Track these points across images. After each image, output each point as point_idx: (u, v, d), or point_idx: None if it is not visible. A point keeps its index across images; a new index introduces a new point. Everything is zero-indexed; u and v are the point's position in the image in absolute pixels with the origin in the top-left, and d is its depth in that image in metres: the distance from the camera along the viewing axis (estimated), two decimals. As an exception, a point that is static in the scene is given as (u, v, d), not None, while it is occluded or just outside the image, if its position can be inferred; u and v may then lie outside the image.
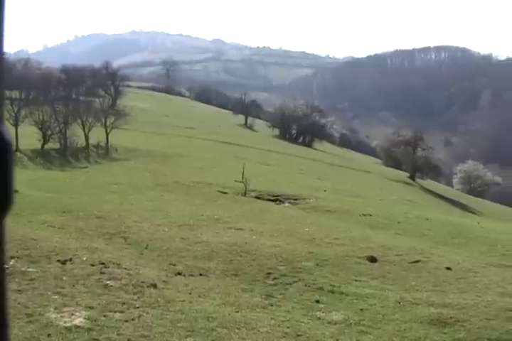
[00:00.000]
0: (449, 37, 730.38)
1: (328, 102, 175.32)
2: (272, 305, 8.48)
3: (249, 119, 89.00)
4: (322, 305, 8.73)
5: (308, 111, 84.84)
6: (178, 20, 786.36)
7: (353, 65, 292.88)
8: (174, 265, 10.26)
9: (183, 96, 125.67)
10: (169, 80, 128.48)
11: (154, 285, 8.57)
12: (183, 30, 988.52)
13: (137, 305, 7.56)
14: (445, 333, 8.02)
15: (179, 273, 9.68)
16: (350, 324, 8.07)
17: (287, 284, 9.56)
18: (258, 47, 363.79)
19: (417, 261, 11.87)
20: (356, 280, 10.16)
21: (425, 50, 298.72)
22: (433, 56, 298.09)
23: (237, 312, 7.93)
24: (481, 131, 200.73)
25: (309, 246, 12.26)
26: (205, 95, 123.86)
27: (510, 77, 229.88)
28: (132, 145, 44.79)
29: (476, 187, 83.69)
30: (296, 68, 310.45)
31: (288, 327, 7.57)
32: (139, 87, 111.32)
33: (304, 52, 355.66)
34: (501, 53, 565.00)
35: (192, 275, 9.64)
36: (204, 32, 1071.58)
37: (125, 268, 9.32)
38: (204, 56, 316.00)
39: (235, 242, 11.93)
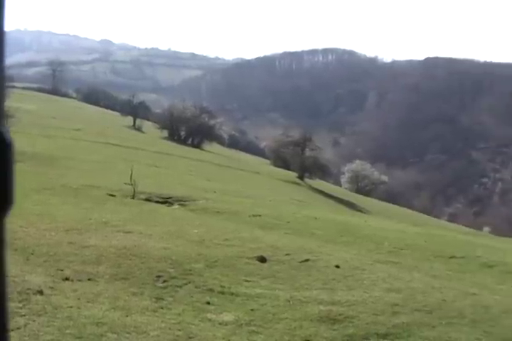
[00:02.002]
0: (336, 39, 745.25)
1: (217, 103, 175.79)
2: (162, 308, 8.39)
3: (138, 121, 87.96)
4: (213, 307, 8.71)
5: (197, 112, 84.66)
6: (65, 20, 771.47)
7: (242, 67, 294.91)
8: (62, 270, 9.98)
9: (70, 97, 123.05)
10: (56, 81, 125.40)
11: (41, 292, 8.31)
12: (71, 29, 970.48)
13: (23, 313, 7.31)
14: (335, 330, 8.15)
15: (67, 279, 9.43)
16: (241, 324, 8.09)
17: (177, 286, 9.49)
18: (146, 48, 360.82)
19: (307, 260, 12.02)
20: (246, 281, 10.19)
21: (313, 52, 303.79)
22: (320, 58, 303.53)
23: (127, 316, 7.80)
24: (368, 131, 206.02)
25: (199, 248, 12.22)
26: (93, 96, 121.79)
27: (395, 79, 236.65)
28: (17, 148, 43.28)
29: (363, 186, 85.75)
30: (185, 69, 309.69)
31: (179, 330, 7.52)
32: (24, 88, 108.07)
33: (192, 54, 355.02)
34: (387, 56, 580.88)
35: (80, 281, 9.41)
36: (92, 32, 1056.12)
37: (10, 276, 9.03)
38: (92, 56, 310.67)
39: (124, 245, 11.75)
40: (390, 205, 71.61)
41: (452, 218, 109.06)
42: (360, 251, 15.69)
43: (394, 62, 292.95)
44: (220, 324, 8.04)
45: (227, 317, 8.34)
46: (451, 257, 16.66)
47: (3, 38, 1.15)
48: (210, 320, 8.16)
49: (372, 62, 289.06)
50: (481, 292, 11.56)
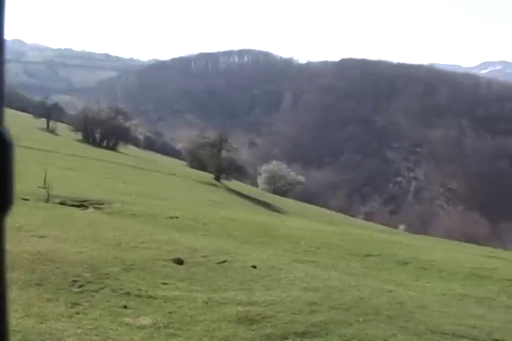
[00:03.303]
0: (252, 41, 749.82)
1: (132, 105, 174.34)
2: (78, 314, 8.22)
3: (52, 123, 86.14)
4: (130, 311, 8.59)
5: (112, 114, 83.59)
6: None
7: (158, 68, 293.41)
8: (-27, 277, 9.68)
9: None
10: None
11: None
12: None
13: None
14: (253, 330, 8.15)
15: (-22, 286, 9.15)
16: (159, 327, 8.01)
17: (93, 291, 9.31)
18: (60, 48, 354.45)
19: (224, 261, 12.00)
20: (163, 284, 10.09)
21: (229, 53, 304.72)
22: (236, 59, 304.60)
23: (42, 323, 7.62)
24: (284, 132, 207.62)
25: (115, 251, 12.04)
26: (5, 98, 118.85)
27: (310, 80, 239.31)
28: None
29: (280, 187, 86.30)
30: (100, 70, 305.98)
31: (96, 335, 7.38)
32: None
33: (107, 54, 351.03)
34: (302, 57, 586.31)
35: (-8, 288, 9.14)
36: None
37: None
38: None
39: (38, 250, 11.47)
40: (307, 205, 72.31)
41: (368, 217, 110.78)
42: (277, 251, 15.79)
43: (309, 63, 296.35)
44: (137, 328, 7.94)
45: (145, 320, 8.24)
46: (367, 255, 16.94)
47: (2, 38, 1.15)
48: (127, 324, 8.04)
49: (288, 63, 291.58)
50: (396, 288, 11.79)
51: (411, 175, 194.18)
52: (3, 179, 1.12)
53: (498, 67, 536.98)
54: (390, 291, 11.09)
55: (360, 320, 8.76)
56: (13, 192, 1.13)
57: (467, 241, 50.68)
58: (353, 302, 9.67)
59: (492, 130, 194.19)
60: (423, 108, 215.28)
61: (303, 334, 8.06)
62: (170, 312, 8.63)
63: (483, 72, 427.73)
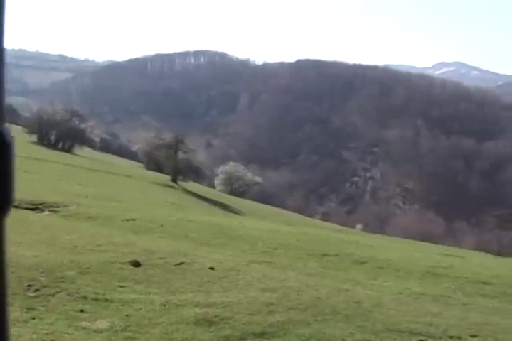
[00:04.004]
0: (208, 42, 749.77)
1: (88, 106, 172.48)
2: (34, 319, 8.11)
3: (5, 125, 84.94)
4: (87, 314, 8.51)
5: (67, 115, 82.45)
6: None
7: (113, 69, 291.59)
8: None
9: None
10: None
11: None
12: None
13: None
14: (211, 332, 8.14)
15: None
16: (117, 331, 7.95)
17: (49, 295, 9.19)
18: (13, 49, 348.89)
19: (181, 263, 11.95)
20: (120, 286, 10.01)
21: (185, 54, 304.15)
22: (192, 60, 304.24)
23: (-4, 328, 7.50)
24: (241, 132, 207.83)
25: (71, 255, 11.91)
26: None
27: (266, 81, 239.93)
28: None
29: (237, 188, 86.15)
30: (54, 71, 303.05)
31: (52, 340, 7.31)
32: None
33: (61, 56, 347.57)
34: (258, 58, 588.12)
35: None
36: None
37: None
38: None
39: (-8, 254, 11.29)
40: (264, 206, 72.41)
41: (325, 217, 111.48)
42: (234, 252, 15.79)
43: (265, 64, 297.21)
44: (94, 332, 7.87)
45: (102, 324, 8.17)
46: (324, 255, 17.02)
47: (2, 37, 1.17)
48: (84, 328, 7.97)
49: (244, 64, 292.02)
50: (353, 288, 11.88)
51: (367, 175, 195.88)
52: (3, 179, 1.13)
53: (452, 68, 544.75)
54: (348, 291, 11.16)
55: (318, 319, 8.80)
56: (13, 192, 1.14)
57: (423, 240, 51.32)
58: (310, 302, 9.70)
59: (447, 130, 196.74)
60: (379, 108, 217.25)
61: (261, 335, 8.07)
62: (127, 316, 8.57)
63: (437, 72, 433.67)
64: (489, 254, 38.81)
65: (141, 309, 8.88)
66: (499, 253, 57.49)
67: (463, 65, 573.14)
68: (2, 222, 1.18)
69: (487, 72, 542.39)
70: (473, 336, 8.70)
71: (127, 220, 19.69)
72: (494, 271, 17.14)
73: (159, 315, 8.65)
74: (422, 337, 8.38)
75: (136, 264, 11.69)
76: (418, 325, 8.90)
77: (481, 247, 65.82)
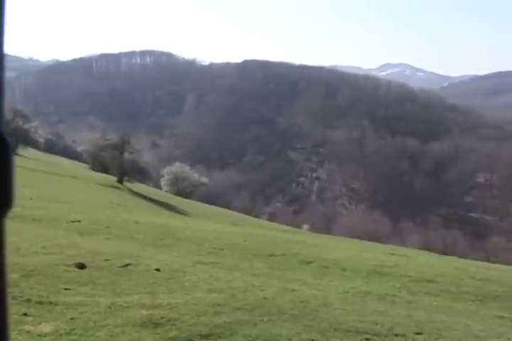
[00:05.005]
0: (154, 41, 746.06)
1: (32, 106, 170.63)
2: (-25, 323, 7.95)
3: None
4: (31, 318, 8.37)
5: (10, 115, 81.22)
6: None
7: (58, 68, 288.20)
8: None
9: None
10: None
11: None
12: None
13: None
14: (158, 333, 8.09)
15: None
16: (61, 334, 7.84)
17: (-8, 298, 9.02)
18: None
19: (127, 265, 11.87)
20: (65, 289, 9.88)
21: (131, 54, 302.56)
22: (138, 60, 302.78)
23: None
24: (187, 133, 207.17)
25: (14, 257, 11.71)
26: None
27: (213, 82, 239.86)
28: None
29: (183, 189, 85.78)
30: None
31: (-6, 344, 7.16)
32: None
33: (5, 54, 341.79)
34: (204, 58, 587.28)
35: None
36: None
37: None
38: None
39: None
40: (210, 206, 72.28)
41: (272, 217, 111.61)
42: (180, 253, 15.74)
43: (212, 65, 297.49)
44: (38, 335, 7.75)
45: (46, 327, 8.05)
46: (270, 255, 17.07)
47: (2, 38, 1.18)
48: (28, 331, 7.84)
49: (191, 64, 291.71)
50: (300, 288, 11.93)
51: (314, 175, 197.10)
52: (3, 179, 1.13)
53: (397, 70, 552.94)
54: (294, 290, 11.20)
55: (265, 319, 8.82)
56: (13, 192, 1.15)
57: (369, 239, 51.75)
58: (257, 302, 9.72)
59: (392, 130, 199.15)
60: (325, 109, 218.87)
61: (208, 336, 8.05)
62: (72, 319, 8.46)
63: (383, 73, 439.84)
64: (434, 253, 39.33)
65: (86, 312, 8.78)
66: (443, 252, 58.43)
67: (408, 66, 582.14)
68: (2, 222, 1.20)
69: (432, 73, 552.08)
70: (418, 333, 8.82)
71: (72, 222, 19.49)
72: (438, 270, 17.40)
73: (105, 318, 8.56)
74: (367, 336, 8.45)
75: (82, 266, 11.56)
76: (364, 324, 8.99)
77: (426, 246, 66.77)
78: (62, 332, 7.92)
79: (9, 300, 1.18)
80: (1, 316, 1.18)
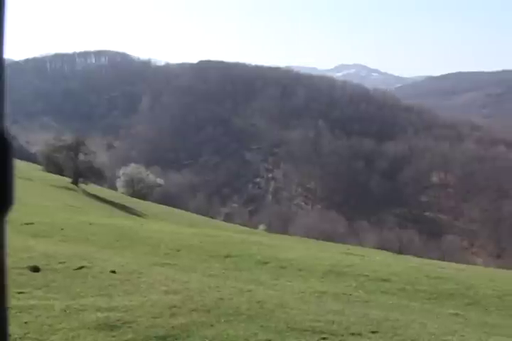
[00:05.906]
0: (109, 42, 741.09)
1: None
2: None
3: None
4: (-18, 322, 8.23)
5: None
6: None
7: (11, 68, 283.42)
8: None
9: None
10: None
11: None
12: None
13: None
14: (114, 336, 8.01)
15: None
16: (15, 339, 7.71)
17: None
18: None
19: (82, 267, 11.75)
20: (19, 293, 9.73)
21: (85, 54, 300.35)
22: (93, 60, 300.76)
23: None
24: (142, 134, 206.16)
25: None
26: None
27: (168, 82, 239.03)
28: None
29: (139, 190, 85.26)
30: None
31: None
32: None
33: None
34: (160, 58, 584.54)
35: None
36: None
37: None
38: None
39: None
40: (166, 208, 72.01)
41: (228, 218, 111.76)
42: (136, 254, 15.65)
43: (167, 65, 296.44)
44: (-9, 340, 7.62)
45: (-1, 332, 7.92)
46: (226, 256, 17.06)
47: (3, 39, 1.24)
48: (-20, 336, 7.71)
49: (146, 64, 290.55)
50: (256, 288, 11.92)
51: (270, 175, 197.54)
52: (3, 179, 1.12)
53: (353, 70, 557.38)
54: (250, 291, 11.20)
55: (222, 320, 8.80)
56: (13, 193, 1.14)
57: (326, 239, 52.13)
58: (213, 303, 9.70)
59: (347, 131, 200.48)
60: (281, 109, 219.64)
61: (164, 338, 8.01)
62: (26, 323, 8.35)
63: (338, 74, 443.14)
64: (389, 252, 39.70)
65: (40, 315, 8.67)
66: (399, 251, 59.10)
67: (363, 67, 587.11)
68: (2, 222, 1.21)
69: (386, 74, 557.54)
70: (374, 332, 8.88)
71: (26, 224, 19.25)
72: (394, 269, 17.54)
73: (59, 321, 8.46)
74: (324, 335, 8.48)
75: (36, 269, 11.41)
76: (320, 323, 9.02)
77: (382, 245, 67.51)
78: (15, 336, 7.81)
79: (9, 300, 1.19)
80: (1, 316, 1.17)
